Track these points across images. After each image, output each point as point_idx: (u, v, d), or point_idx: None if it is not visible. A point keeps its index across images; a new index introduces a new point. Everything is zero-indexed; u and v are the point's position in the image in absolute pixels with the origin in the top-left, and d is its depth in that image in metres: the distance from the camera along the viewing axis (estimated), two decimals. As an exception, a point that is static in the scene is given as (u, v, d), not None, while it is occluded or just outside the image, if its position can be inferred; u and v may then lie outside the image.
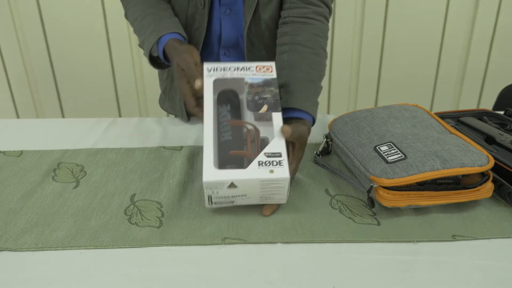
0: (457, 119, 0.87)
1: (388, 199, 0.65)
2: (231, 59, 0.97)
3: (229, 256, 0.59)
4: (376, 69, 2.07)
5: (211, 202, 0.64)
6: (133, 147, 0.86)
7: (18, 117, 2.13)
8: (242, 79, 0.72)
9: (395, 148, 0.69)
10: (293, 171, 0.70)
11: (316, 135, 0.90)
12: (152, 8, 0.88)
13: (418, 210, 0.67)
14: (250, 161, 0.63)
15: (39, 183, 0.75)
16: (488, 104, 2.13)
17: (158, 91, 1.11)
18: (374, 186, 0.66)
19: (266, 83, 0.72)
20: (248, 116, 0.70)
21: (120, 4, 0.95)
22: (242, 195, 0.64)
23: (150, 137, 0.91)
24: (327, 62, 0.85)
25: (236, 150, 0.65)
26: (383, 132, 0.74)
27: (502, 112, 0.90)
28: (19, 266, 0.58)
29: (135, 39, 1.91)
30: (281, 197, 0.65)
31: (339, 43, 2.01)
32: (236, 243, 0.61)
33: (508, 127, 0.83)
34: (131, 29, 0.93)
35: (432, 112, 0.82)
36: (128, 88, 2.04)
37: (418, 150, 0.67)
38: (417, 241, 0.61)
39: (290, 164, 0.68)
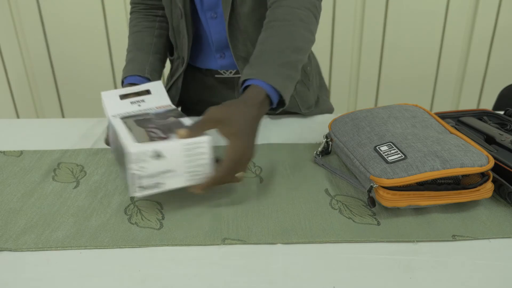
0: (457, 119, 0.87)
1: (388, 199, 0.65)
2: (227, 61, 0.99)
3: (229, 256, 0.59)
4: (376, 69, 2.07)
5: (140, 187, 0.64)
6: (133, 147, 0.86)
7: (18, 117, 2.13)
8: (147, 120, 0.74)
9: (395, 148, 0.69)
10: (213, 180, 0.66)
11: (316, 135, 0.90)
12: (134, 45, 0.97)
13: (418, 210, 0.67)
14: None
15: (39, 183, 0.75)
16: (488, 104, 2.13)
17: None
18: (374, 186, 0.66)
19: (167, 112, 0.78)
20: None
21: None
22: (169, 171, 0.64)
23: (150, 137, 0.91)
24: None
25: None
26: (383, 132, 0.74)
27: (502, 112, 0.90)
28: (19, 266, 0.58)
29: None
30: (206, 168, 0.66)
31: (339, 43, 2.01)
32: (236, 243, 0.61)
33: (508, 127, 0.83)
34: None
35: (432, 112, 0.82)
36: (128, 88, 2.04)
37: (418, 150, 0.67)
38: (417, 241, 0.61)
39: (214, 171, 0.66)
